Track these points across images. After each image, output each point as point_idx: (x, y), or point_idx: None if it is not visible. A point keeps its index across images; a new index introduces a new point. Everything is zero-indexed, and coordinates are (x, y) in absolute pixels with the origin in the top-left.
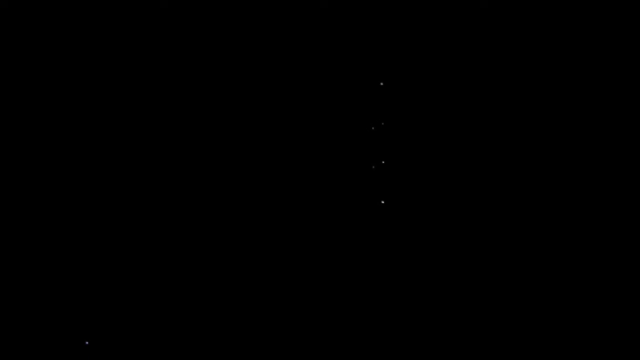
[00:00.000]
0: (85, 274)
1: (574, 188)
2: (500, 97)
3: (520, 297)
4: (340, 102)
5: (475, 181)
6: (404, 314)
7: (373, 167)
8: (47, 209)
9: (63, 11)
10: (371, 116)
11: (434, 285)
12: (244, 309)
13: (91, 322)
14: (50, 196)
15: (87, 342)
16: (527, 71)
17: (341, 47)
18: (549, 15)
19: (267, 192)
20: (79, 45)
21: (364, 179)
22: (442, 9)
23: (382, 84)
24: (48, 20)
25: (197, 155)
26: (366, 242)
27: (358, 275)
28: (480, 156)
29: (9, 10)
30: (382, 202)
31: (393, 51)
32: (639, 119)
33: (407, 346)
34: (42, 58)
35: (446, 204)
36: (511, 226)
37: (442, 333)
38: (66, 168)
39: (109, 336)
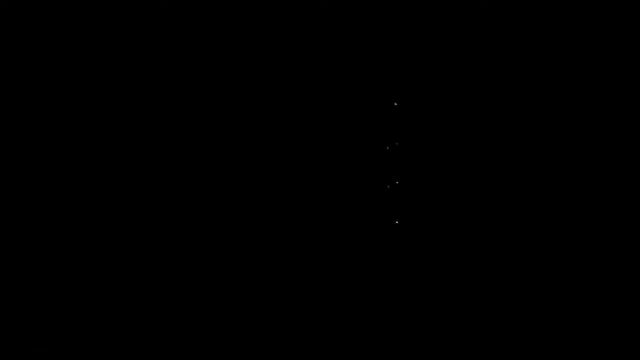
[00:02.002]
0: (87, 276)
1: (582, 192)
2: (516, 112)
3: (532, 319)
4: (354, 122)
5: (490, 201)
6: (415, 331)
7: (388, 186)
8: (47, 209)
9: (63, 11)
10: (385, 136)
11: (446, 305)
12: (251, 322)
13: (96, 326)
14: (50, 196)
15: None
16: (538, 78)
17: (355, 67)
18: (549, 15)
19: (280, 211)
20: (79, 45)
21: (378, 198)
22: (450, 20)
23: (396, 104)
24: (48, 20)
25: (210, 169)
26: (380, 262)
27: (371, 294)
28: (496, 176)
29: (9, 10)
30: (397, 222)
31: (406, 70)
32: (639, 119)
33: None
34: (42, 58)
35: (460, 224)
36: (527, 246)
37: (450, 346)
38: (66, 168)
39: (112, 337)
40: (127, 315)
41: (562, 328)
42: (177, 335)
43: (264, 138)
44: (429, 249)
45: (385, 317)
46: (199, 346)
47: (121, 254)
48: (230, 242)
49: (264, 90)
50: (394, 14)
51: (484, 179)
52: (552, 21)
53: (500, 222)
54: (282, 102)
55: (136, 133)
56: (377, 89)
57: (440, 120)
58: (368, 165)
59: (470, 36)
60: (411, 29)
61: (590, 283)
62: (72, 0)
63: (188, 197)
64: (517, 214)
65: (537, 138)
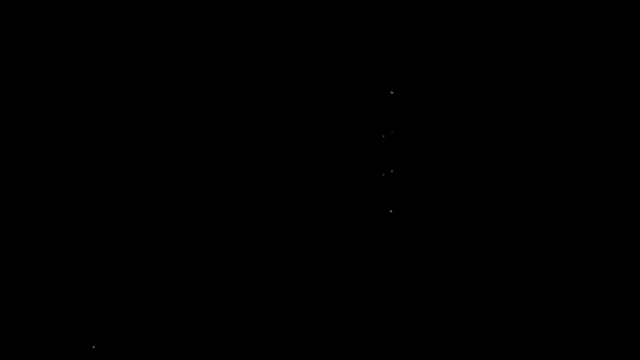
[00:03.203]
0: (86, 275)
1: (582, 190)
2: (511, 103)
3: (531, 307)
4: (350, 111)
5: (485, 190)
6: (409, 321)
7: (383, 174)
8: (48, 210)
9: (63, 11)
10: (381, 124)
11: (440, 294)
12: (249, 317)
13: (94, 324)
14: (50, 196)
15: (93, 347)
16: (535, 74)
17: (352, 56)
18: (550, 15)
19: (275, 199)
20: (79, 45)
21: (373, 187)
22: (447, 12)
23: (392, 92)
24: (48, 20)
25: (207, 164)
26: (374, 251)
27: (365, 284)
28: (491, 165)
29: (9, 10)
30: (391, 210)
31: (403, 59)
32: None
33: (413, 351)
34: (42, 58)
35: (455, 213)
36: (521, 235)
37: (447, 338)
38: (66, 168)
39: (112, 337)
40: (127, 315)
41: (561, 325)
42: (177, 335)
43: (259, 127)
44: (423, 238)
45: (382, 308)
46: (199, 346)
47: (121, 253)
48: (226, 228)
49: (261, 80)
50: (392, 4)
51: (480, 168)
52: (552, 19)
53: (498, 213)
54: (278, 90)
55: (136, 133)
56: (373, 77)
57: (436, 109)
58: (363, 154)
59: (466, 26)
60: (408, 19)
61: (589, 280)
62: (72, 0)
63: (180, 187)
64: (515, 205)
65: (534, 128)
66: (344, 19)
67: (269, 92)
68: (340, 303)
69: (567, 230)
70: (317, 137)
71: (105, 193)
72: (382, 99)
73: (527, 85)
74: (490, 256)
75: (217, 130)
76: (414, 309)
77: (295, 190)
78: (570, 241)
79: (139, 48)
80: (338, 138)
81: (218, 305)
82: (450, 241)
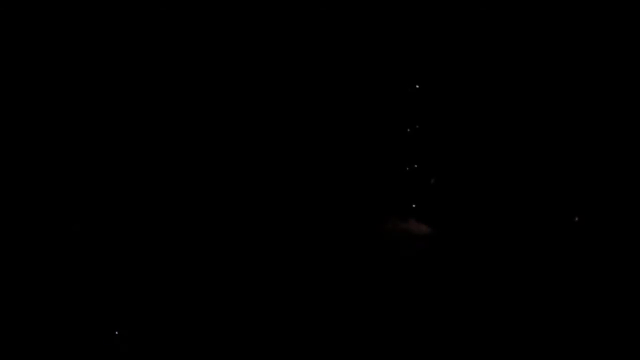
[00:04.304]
0: (86, 273)
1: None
2: (532, 99)
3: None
4: (375, 105)
5: (508, 186)
6: (427, 315)
7: (407, 168)
8: (49, 209)
9: (63, 11)
10: (406, 119)
11: (460, 288)
12: (263, 311)
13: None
14: (50, 196)
15: (116, 332)
16: (562, 70)
17: (377, 51)
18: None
19: (300, 192)
20: (79, 45)
21: (396, 181)
22: (472, 8)
23: (417, 86)
24: (48, 20)
25: (228, 157)
26: (397, 244)
27: (387, 276)
28: (513, 160)
29: (8, 11)
30: (414, 205)
31: (428, 54)
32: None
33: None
34: (42, 58)
35: (477, 208)
36: (542, 231)
37: (467, 335)
38: (66, 168)
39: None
40: (127, 314)
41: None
42: (177, 334)
43: (285, 121)
44: (445, 232)
45: (400, 302)
46: (199, 345)
47: (121, 253)
48: (249, 221)
49: (287, 73)
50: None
51: (502, 164)
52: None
53: (519, 209)
54: (304, 84)
55: (136, 132)
56: (398, 71)
57: (460, 104)
58: (388, 147)
59: (491, 22)
60: (433, 14)
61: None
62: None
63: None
64: (537, 201)
65: (559, 124)
66: (371, 13)
67: (295, 85)
68: (360, 295)
69: (589, 226)
70: (343, 131)
71: (105, 193)
72: (407, 93)
73: (550, 81)
74: (509, 251)
75: (240, 127)
76: (432, 304)
77: (319, 183)
78: (594, 235)
79: (139, 48)
80: (363, 132)
81: (242, 297)
82: (472, 235)
